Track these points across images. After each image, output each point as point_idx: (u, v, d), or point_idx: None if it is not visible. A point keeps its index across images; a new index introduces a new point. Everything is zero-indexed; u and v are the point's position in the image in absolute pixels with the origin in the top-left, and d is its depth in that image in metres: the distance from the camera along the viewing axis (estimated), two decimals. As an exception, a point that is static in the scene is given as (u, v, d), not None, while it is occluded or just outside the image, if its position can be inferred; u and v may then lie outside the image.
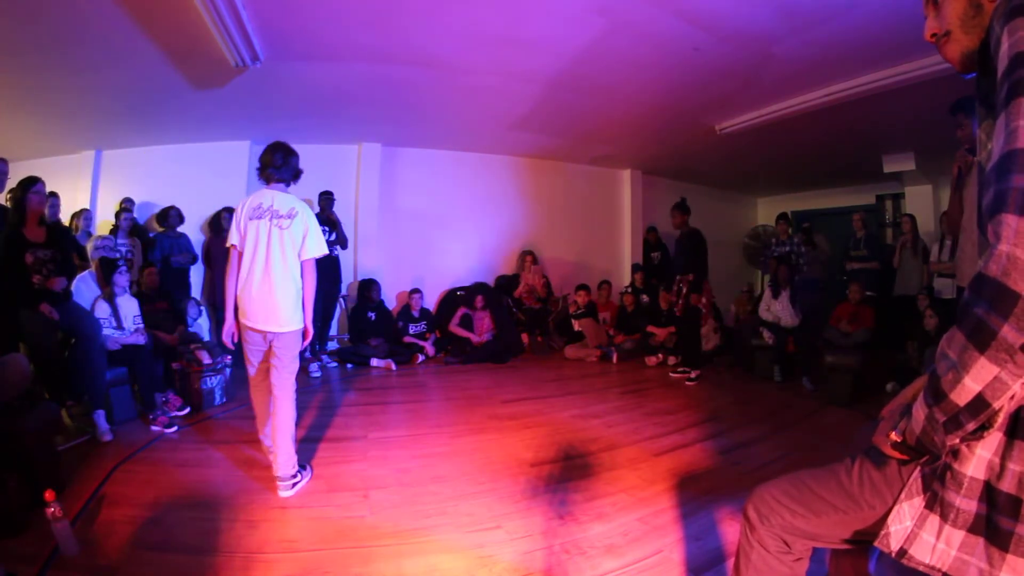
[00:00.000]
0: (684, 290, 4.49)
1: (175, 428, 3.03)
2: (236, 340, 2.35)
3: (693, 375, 4.47)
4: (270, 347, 2.27)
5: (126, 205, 4.62)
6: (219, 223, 4.88)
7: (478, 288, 5.82)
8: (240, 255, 2.26)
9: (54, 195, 3.59)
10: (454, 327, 5.54)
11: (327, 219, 5.09)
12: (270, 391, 2.27)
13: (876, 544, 0.80)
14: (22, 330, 2.77)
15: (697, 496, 2.22)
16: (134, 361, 3.19)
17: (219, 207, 4.91)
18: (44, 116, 4.28)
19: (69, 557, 1.65)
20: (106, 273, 3.38)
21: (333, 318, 5.50)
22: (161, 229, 4.87)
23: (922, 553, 0.75)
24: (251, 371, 2.40)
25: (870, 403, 3.77)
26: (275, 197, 2.26)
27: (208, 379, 3.53)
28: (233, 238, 2.27)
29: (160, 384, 3.37)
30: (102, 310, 3.24)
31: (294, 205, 2.27)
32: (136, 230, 4.71)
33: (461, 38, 3.34)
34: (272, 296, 2.20)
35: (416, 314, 5.54)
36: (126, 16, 2.86)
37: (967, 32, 0.77)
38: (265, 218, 2.22)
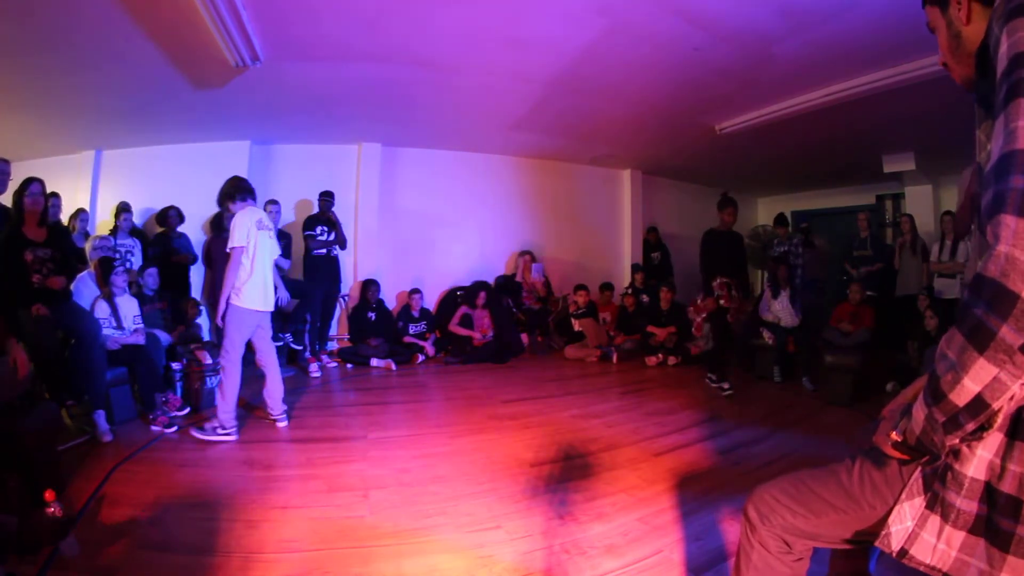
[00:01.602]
0: (735, 293, 4.30)
1: (175, 428, 3.03)
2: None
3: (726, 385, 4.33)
4: (260, 324, 3.08)
5: (124, 206, 4.62)
6: (220, 223, 4.85)
7: (480, 286, 5.82)
8: (244, 255, 2.94)
9: (55, 195, 3.58)
10: (454, 327, 5.54)
11: (327, 219, 5.08)
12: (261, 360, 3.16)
13: (877, 544, 0.80)
14: (22, 330, 2.77)
15: (697, 496, 2.22)
16: (134, 361, 3.19)
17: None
18: (44, 116, 4.27)
19: (69, 557, 1.65)
20: (105, 273, 3.38)
21: (333, 318, 5.49)
22: (161, 229, 4.86)
23: (923, 553, 0.75)
24: (238, 356, 2.95)
25: (870, 403, 3.77)
26: (262, 214, 3.13)
27: (209, 379, 3.52)
28: (242, 241, 2.91)
29: (160, 384, 3.37)
30: (102, 310, 3.24)
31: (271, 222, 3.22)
32: (136, 231, 4.71)
33: (461, 38, 3.33)
34: (271, 285, 3.09)
35: (416, 314, 5.53)
36: (126, 16, 2.85)
37: (958, 62, 0.80)
38: (264, 230, 3.04)
